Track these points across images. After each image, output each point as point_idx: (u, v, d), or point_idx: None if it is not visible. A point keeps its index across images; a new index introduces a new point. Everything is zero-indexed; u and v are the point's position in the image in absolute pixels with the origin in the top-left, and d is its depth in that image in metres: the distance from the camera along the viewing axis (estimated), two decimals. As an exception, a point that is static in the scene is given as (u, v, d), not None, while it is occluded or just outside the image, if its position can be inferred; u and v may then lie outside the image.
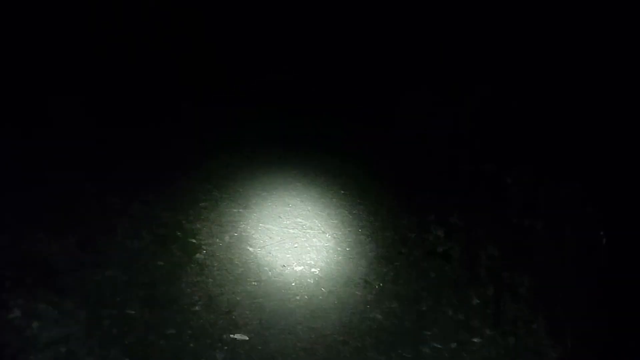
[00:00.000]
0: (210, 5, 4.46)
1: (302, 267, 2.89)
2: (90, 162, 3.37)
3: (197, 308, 2.51)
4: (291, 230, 3.22)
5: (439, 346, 2.55)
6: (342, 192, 3.45)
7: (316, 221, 3.25)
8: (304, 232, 3.21)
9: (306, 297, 2.69)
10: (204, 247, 2.94)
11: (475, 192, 3.54)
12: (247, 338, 2.37)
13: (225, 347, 2.30)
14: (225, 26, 4.49)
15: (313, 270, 2.88)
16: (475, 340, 2.61)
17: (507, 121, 3.99)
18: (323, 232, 3.18)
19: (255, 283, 2.73)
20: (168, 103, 4.04)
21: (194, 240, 2.98)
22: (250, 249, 3.00)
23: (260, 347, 2.33)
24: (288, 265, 2.90)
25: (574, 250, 3.19)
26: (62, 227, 2.86)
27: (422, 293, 2.85)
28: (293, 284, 2.76)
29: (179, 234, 3.00)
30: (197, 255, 2.87)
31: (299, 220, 3.31)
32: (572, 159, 3.71)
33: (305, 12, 4.40)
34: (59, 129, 3.40)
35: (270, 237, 3.12)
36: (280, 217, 3.35)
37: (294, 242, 3.12)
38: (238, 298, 2.61)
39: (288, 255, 2.99)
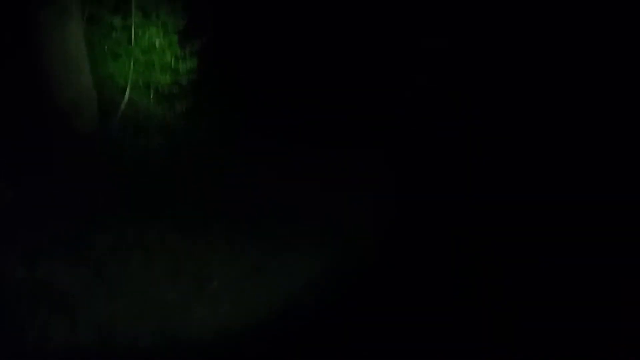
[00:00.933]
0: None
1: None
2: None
3: (208, 338, 2.49)
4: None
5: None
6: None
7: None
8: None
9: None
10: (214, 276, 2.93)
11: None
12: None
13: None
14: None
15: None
16: None
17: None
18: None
19: (268, 314, 2.70)
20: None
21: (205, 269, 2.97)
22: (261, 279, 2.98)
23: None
24: (301, 295, 2.88)
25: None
26: (76, 258, 2.87)
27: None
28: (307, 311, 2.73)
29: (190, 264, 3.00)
30: (209, 286, 2.86)
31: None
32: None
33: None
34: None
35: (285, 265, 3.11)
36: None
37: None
38: (249, 329, 2.59)
39: (299, 282, 2.96)
